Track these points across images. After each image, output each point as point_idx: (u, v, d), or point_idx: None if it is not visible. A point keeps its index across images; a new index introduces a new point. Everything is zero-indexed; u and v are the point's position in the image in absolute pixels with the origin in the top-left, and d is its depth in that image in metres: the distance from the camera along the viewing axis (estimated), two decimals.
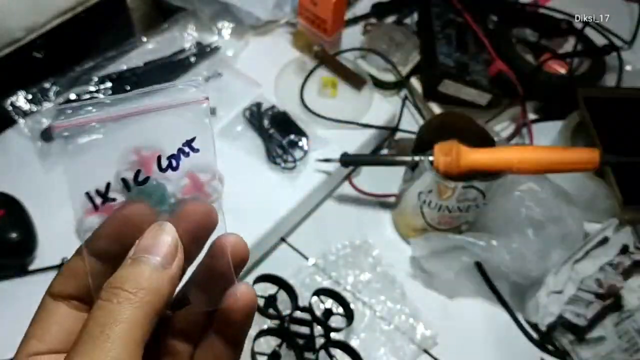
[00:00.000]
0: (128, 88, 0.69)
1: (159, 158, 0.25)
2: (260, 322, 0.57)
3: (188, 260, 0.24)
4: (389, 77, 0.79)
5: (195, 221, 0.24)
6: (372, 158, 0.72)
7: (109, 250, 0.23)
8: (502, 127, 0.79)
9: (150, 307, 0.21)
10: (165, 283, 0.22)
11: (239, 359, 0.26)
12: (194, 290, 0.26)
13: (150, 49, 0.75)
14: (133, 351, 0.20)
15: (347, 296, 0.59)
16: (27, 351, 0.23)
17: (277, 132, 0.69)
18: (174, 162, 0.25)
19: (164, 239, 0.22)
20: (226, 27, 0.78)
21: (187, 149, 0.24)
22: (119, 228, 0.23)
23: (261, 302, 0.56)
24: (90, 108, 0.24)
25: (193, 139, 0.24)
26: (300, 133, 0.69)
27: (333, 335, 0.57)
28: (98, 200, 0.24)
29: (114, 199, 0.24)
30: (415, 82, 0.80)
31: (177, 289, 0.24)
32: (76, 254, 0.24)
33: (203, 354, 0.26)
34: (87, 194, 0.24)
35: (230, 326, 0.25)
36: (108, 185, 0.24)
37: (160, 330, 0.25)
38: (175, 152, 0.25)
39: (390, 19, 0.88)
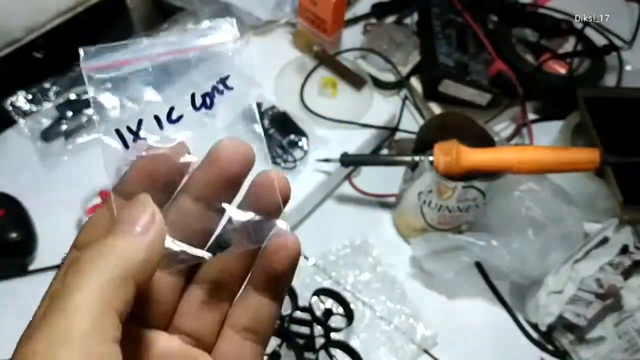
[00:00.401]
0: None
1: (192, 95, 0.24)
2: None
3: (227, 200, 0.24)
4: (389, 77, 0.79)
5: (232, 159, 0.24)
6: (372, 158, 0.72)
7: (138, 192, 0.23)
8: (502, 127, 0.79)
9: (116, 276, 0.20)
10: (141, 249, 0.21)
11: (279, 315, 0.25)
12: (236, 230, 0.24)
13: None
14: (95, 322, 0.19)
15: (347, 296, 0.59)
16: None
17: (277, 132, 0.69)
18: (207, 101, 0.24)
19: (139, 209, 0.22)
20: None
21: (221, 87, 0.24)
22: (149, 169, 0.23)
23: None
24: (121, 51, 0.23)
25: (227, 77, 0.24)
26: (300, 133, 0.69)
27: (333, 335, 0.57)
28: (129, 137, 0.23)
29: (144, 138, 0.23)
30: (415, 82, 0.80)
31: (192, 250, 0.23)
32: (103, 206, 0.23)
33: (240, 310, 0.25)
34: (118, 130, 0.23)
35: (271, 273, 0.24)
36: (140, 122, 0.23)
37: (191, 284, 0.25)
38: (209, 90, 0.24)
39: (390, 19, 0.88)
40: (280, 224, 0.25)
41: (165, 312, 0.25)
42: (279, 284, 0.25)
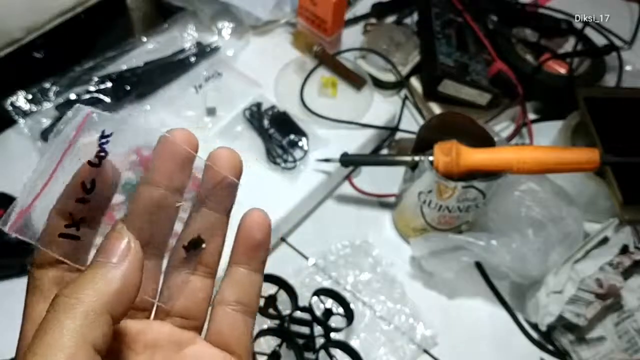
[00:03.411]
0: (128, 88, 0.69)
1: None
2: (260, 322, 0.57)
3: (182, 188, 0.25)
4: (389, 77, 0.79)
5: (176, 152, 0.25)
6: (372, 158, 0.72)
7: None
8: (502, 127, 0.79)
9: (96, 307, 0.20)
10: (115, 279, 0.21)
11: (262, 286, 0.27)
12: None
13: (150, 49, 0.75)
14: (80, 355, 0.19)
15: (347, 296, 0.59)
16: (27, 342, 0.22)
17: (277, 132, 0.69)
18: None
19: (116, 238, 0.22)
20: (226, 27, 0.78)
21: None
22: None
23: (261, 302, 0.56)
24: None
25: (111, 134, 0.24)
26: (300, 133, 0.69)
27: (333, 335, 0.57)
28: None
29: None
30: (415, 82, 0.80)
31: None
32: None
33: (227, 286, 0.26)
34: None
35: (252, 243, 0.26)
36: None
37: (172, 265, 0.26)
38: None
39: (390, 19, 0.88)
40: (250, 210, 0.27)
41: (151, 297, 0.26)
42: (259, 254, 0.27)
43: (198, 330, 0.26)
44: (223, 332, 0.26)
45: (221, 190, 0.26)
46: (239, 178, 0.26)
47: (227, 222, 0.27)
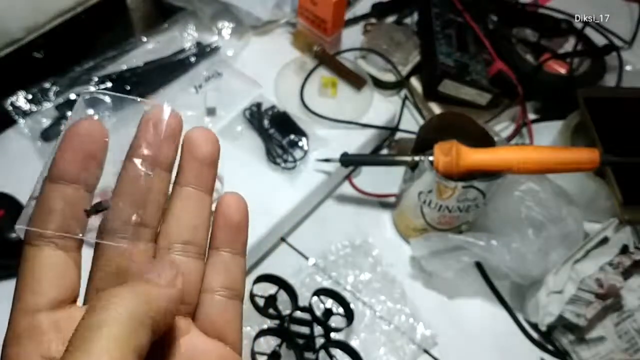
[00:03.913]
0: (128, 88, 0.69)
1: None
2: (260, 322, 0.57)
3: (169, 162, 0.25)
4: (389, 77, 0.79)
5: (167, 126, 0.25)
6: (372, 158, 0.72)
7: (73, 171, 0.23)
8: (502, 127, 0.79)
9: (144, 313, 0.20)
10: (164, 297, 0.22)
11: (246, 269, 0.27)
12: None
13: (150, 49, 0.75)
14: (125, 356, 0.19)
15: (347, 296, 0.59)
16: (24, 308, 0.22)
17: (277, 132, 0.69)
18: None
19: (164, 267, 0.23)
20: (226, 27, 0.78)
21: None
22: (80, 148, 0.23)
23: (261, 302, 0.56)
24: None
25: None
26: (300, 133, 0.69)
27: (333, 335, 0.57)
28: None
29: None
30: (415, 82, 0.80)
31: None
32: (42, 194, 0.23)
33: (212, 272, 0.26)
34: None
35: (231, 224, 0.26)
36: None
37: (159, 249, 0.26)
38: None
39: (390, 19, 0.88)
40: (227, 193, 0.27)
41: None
42: (240, 236, 0.26)
43: (190, 315, 0.26)
44: (213, 319, 0.26)
45: (201, 169, 0.26)
46: (217, 156, 0.26)
47: (210, 201, 0.26)
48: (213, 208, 0.27)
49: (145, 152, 0.24)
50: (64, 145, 0.23)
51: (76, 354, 0.18)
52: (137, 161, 0.24)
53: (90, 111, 0.25)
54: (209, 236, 0.26)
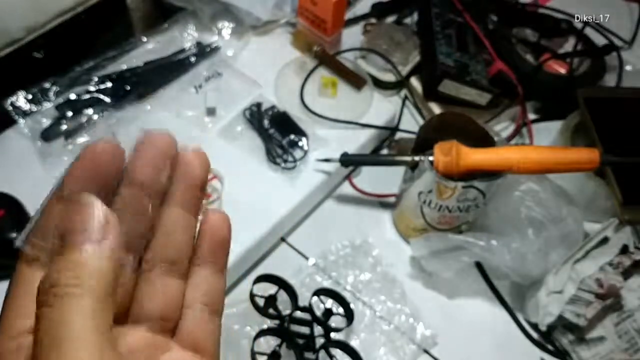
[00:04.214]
0: (128, 88, 0.69)
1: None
2: (260, 322, 0.57)
3: (161, 189, 0.25)
4: (389, 77, 0.79)
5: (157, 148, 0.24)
6: (372, 158, 0.72)
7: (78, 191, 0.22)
8: (502, 127, 0.79)
9: (99, 291, 0.19)
10: (103, 260, 0.20)
11: (225, 285, 0.27)
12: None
13: (150, 49, 0.75)
14: (101, 343, 0.19)
15: (347, 296, 0.59)
16: (11, 333, 0.21)
17: (277, 132, 0.69)
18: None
19: (89, 214, 0.20)
20: (226, 27, 0.78)
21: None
22: (92, 168, 0.22)
23: (261, 302, 0.56)
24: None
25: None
26: (300, 133, 0.69)
27: (333, 335, 0.57)
28: None
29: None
30: (415, 82, 0.80)
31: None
32: (45, 210, 0.22)
33: (193, 289, 0.26)
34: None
35: (217, 241, 0.26)
36: None
37: (143, 267, 0.25)
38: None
39: (390, 19, 0.88)
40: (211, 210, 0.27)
41: (125, 300, 0.24)
42: (222, 253, 0.27)
43: (172, 332, 0.25)
44: (193, 334, 0.26)
45: (192, 192, 0.26)
46: (207, 178, 0.26)
47: (196, 223, 0.26)
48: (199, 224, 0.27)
49: (139, 178, 0.24)
50: (76, 163, 0.22)
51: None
52: (132, 189, 0.24)
53: (110, 134, 0.25)
54: (193, 252, 0.26)
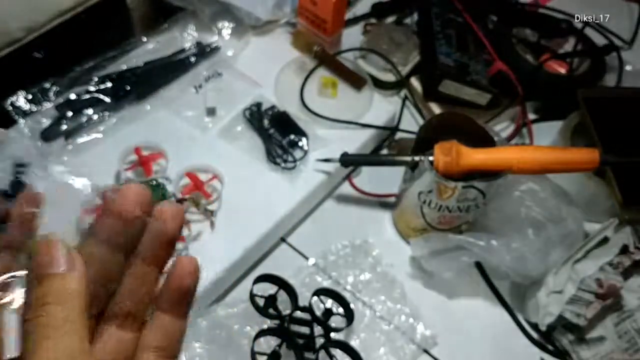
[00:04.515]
0: (128, 88, 0.69)
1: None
2: (260, 322, 0.57)
3: (130, 241, 0.26)
4: (389, 77, 0.79)
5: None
6: (372, 158, 0.72)
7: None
8: (502, 127, 0.79)
9: (76, 308, 0.22)
10: (76, 283, 0.23)
11: (186, 330, 0.27)
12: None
13: (150, 49, 0.75)
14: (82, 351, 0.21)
15: (347, 296, 0.59)
16: None
17: (277, 132, 0.69)
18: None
19: (55, 249, 0.23)
20: (226, 27, 0.78)
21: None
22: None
23: (261, 302, 0.56)
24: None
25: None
26: (300, 133, 0.69)
27: (333, 335, 0.57)
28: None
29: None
30: (415, 82, 0.80)
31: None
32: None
33: (151, 332, 0.26)
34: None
35: (182, 289, 0.26)
36: None
37: (103, 321, 0.26)
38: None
39: (390, 19, 0.88)
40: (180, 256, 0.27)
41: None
42: (186, 300, 0.27)
43: None
44: None
45: (162, 246, 0.26)
46: (180, 232, 0.27)
47: (159, 276, 0.27)
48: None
49: (105, 233, 0.25)
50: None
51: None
52: (98, 245, 0.25)
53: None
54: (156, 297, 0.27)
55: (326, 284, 0.63)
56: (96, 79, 0.69)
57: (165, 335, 0.26)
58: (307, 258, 0.65)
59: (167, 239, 0.26)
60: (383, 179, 0.71)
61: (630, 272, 0.61)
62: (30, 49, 0.67)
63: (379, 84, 0.78)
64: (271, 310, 0.56)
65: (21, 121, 0.66)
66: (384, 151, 0.76)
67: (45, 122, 0.66)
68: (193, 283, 0.27)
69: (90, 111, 0.67)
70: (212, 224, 0.61)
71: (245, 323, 0.58)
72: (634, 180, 0.66)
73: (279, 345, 0.55)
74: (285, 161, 0.67)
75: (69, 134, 0.66)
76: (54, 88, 0.68)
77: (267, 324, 0.57)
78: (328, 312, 0.57)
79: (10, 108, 0.66)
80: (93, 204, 0.58)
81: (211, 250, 0.59)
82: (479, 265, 0.66)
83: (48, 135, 0.65)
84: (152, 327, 0.26)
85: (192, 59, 0.74)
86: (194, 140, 0.67)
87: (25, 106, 0.66)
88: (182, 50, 0.75)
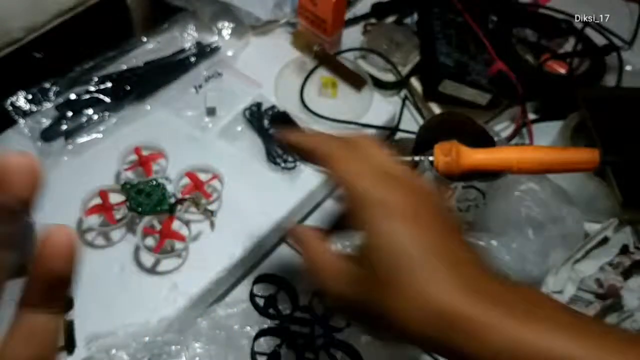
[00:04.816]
0: (128, 88, 0.69)
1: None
2: (260, 322, 0.57)
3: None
4: (389, 77, 0.79)
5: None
6: None
7: None
8: (502, 127, 0.79)
9: None
10: None
11: (61, 326, 0.22)
12: None
13: (150, 49, 0.74)
14: None
15: None
16: None
17: (277, 132, 0.69)
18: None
19: None
20: (226, 27, 0.78)
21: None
22: None
23: (261, 302, 0.56)
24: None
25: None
26: None
27: (333, 335, 0.57)
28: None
29: None
30: (415, 82, 0.80)
31: None
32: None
33: (18, 335, 0.21)
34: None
35: (54, 274, 0.20)
36: None
37: None
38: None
39: (390, 19, 0.88)
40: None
41: None
42: (60, 291, 0.21)
43: None
44: None
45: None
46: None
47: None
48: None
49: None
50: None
51: None
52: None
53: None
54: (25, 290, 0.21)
55: None
56: (96, 79, 0.69)
57: (37, 341, 0.21)
58: None
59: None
60: None
61: (630, 272, 0.61)
62: (30, 49, 0.67)
63: (379, 84, 0.78)
64: (271, 310, 0.56)
65: (21, 121, 0.66)
66: None
67: (45, 122, 0.66)
68: (66, 266, 0.20)
69: (90, 111, 0.67)
70: (212, 224, 0.61)
71: (245, 323, 0.58)
72: (634, 180, 0.66)
73: (279, 345, 0.55)
74: (285, 161, 0.67)
75: (69, 134, 0.66)
76: (54, 88, 0.68)
77: (267, 324, 0.57)
78: (328, 312, 0.57)
79: (10, 108, 0.66)
80: (92, 204, 0.58)
81: (211, 250, 0.59)
82: None
83: (48, 135, 0.65)
84: (18, 331, 0.21)
85: (192, 59, 0.74)
86: (194, 140, 0.67)
87: (25, 106, 0.66)
88: (182, 50, 0.75)
